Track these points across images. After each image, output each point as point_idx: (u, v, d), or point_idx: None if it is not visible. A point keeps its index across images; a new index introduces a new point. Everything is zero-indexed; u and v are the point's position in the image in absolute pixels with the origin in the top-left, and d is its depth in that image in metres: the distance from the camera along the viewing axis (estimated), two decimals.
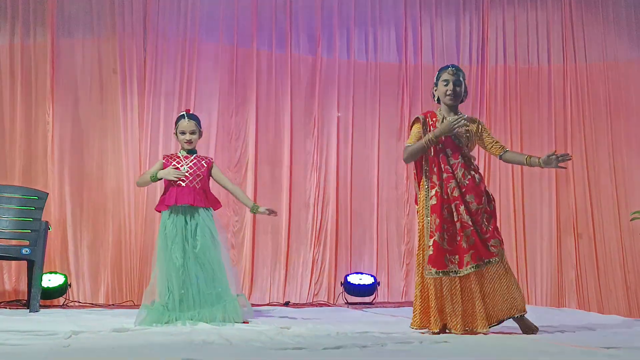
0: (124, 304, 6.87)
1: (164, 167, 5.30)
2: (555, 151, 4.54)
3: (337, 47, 7.85)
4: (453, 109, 4.64)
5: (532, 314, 5.78)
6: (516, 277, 7.53)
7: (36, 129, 7.04)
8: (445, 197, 4.46)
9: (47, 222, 6.19)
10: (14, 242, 6.22)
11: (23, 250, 5.98)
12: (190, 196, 5.15)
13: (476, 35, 8.13)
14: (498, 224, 4.66)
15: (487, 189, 4.62)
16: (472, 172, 4.54)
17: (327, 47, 7.86)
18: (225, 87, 7.56)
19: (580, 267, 7.71)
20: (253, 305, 6.91)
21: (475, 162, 4.66)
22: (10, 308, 6.19)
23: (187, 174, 5.21)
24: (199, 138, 5.42)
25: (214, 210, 5.32)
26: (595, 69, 8.02)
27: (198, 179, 5.24)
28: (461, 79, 4.60)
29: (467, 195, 4.46)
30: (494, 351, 3.58)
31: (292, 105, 7.69)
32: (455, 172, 4.50)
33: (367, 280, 7.32)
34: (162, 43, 7.40)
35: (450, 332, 4.37)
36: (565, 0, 8.12)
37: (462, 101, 4.68)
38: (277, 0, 7.76)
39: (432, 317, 4.39)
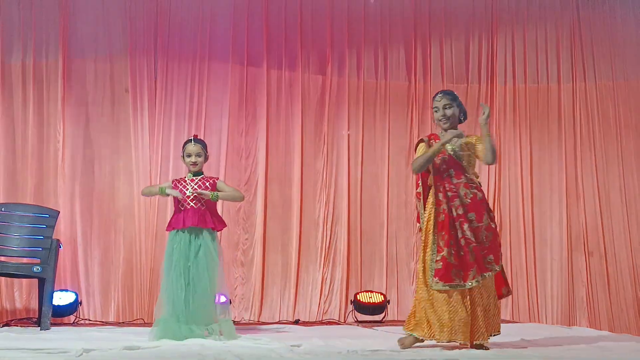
0: (134, 321, 6.88)
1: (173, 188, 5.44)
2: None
3: (346, 67, 7.88)
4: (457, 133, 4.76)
5: (543, 332, 5.78)
6: (526, 294, 7.63)
7: (47, 148, 7.09)
8: (452, 214, 4.59)
9: (58, 240, 6.22)
10: (25, 260, 6.26)
11: (34, 268, 6.02)
12: (194, 218, 5.29)
13: (485, 55, 8.14)
14: (500, 240, 4.86)
15: (488, 206, 4.77)
16: (474, 191, 4.67)
17: (337, 67, 7.89)
18: (236, 107, 7.59)
19: (591, 285, 7.68)
20: (262, 323, 6.96)
21: (478, 180, 4.78)
22: (21, 326, 6.20)
23: (187, 195, 5.34)
24: (205, 161, 5.54)
25: (217, 231, 5.42)
26: (605, 88, 8.01)
27: (203, 200, 5.35)
28: (450, 101, 4.75)
29: (469, 213, 4.59)
30: None
31: (302, 125, 7.72)
32: (459, 191, 4.63)
33: (377, 298, 7.31)
34: (173, 62, 7.46)
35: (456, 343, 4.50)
36: (574, 20, 8.13)
37: (461, 121, 4.84)
38: (288, 20, 7.81)
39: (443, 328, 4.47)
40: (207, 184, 5.42)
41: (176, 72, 7.46)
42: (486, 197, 4.87)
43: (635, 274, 7.60)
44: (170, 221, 5.45)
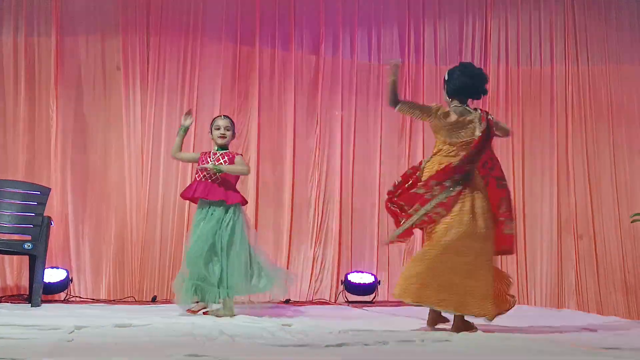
0: (125, 299, 6.88)
1: (198, 160, 5.63)
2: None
3: (340, 47, 7.86)
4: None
5: (532, 315, 5.82)
6: (515, 276, 7.66)
7: (40, 125, 7.06)
8: None
9: (49, 217, 6.21)
10: (16, 237, 6.24)
11: (25, 245, 6.00)
12: (205, 190, 5.43)
13: (479, 36, 8.14)
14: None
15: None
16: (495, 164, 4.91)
17: (330, 47, 7.87)
18: (228, 85, 7.57)
19: (580, 268, 7.73)
20: (253, 302, 6.96)
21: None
22: (12, 302, 6.20)
23: (201, 159, 5.56)
24: (233, 137, 5.70)
25: (228, 203, 5.44)
26: (598, 72, 8.03)
27: (218, 174, 5.46)
28: (446, 76, 4.93)
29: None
30: (494, 350, 3.59)
31: (295, 104, 7.71)
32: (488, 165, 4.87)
33: (367, 279, 7.34)
34: (165, 40, 7.42)
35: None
36: (568, 3, 8.13)
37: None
38: None
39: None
40: (227, 157, 5.51)
41: (168, 49, 7.42)
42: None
43: (623, 257, 7.66)
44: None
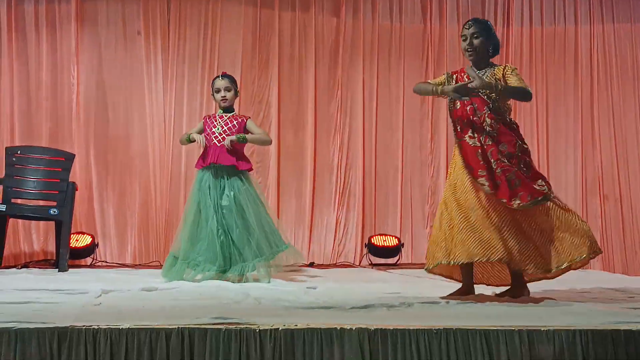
0: (150, 264, 6.94)
1: (204, 126, 5.42)
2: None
3: (361, 10, 7.77)
4: (477, 64, 4.31)
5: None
6: None
7: (62, 91, 7.10)
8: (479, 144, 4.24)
9: (74, 183, 6.25)
10: (41, 202, 6.31)
11: (51, 211, 6.06)
12: (215, 155, 5.23)
13: None
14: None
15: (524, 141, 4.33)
16: (499, 125, 4.24)
17: (351, 9, 7.79)
18: (249, 50, 7.54)
19: (606, 228, 7.68)
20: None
21: (509, 116, 4.33)
22: (39, 268, 6.28)
23: (214, 132, 5.30)
24: (236, 96, 5.46)
25: (239, 169, 5.28)
26: (623, 31, 7.90)
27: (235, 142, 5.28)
28: (481, 30, 4.25)
29: (500, 145, 4.20)
30: (522, 313, 3.59)
31: (315, 68, 7.66)
32: (483, 125, 4.23)
33: (391, 241, 7.34)
34: (186, 4, 7.39)
35: None
36: None
37: (492, 55, 4.35)
38: None
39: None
40: (235, 122, 5.34)
41: (189, 13, 7.40)
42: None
43: None
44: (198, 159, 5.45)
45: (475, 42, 4.25)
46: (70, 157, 6.39)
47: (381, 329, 3.00)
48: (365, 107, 7.71)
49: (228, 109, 5.41)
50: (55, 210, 6.05)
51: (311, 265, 7.08)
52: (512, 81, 4.21)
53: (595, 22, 7.92)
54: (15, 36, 7.02)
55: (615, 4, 7.93)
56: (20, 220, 6.73)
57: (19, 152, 6.28)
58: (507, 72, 4.25)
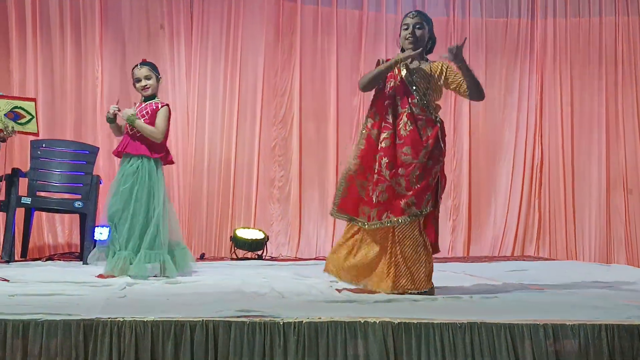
0: None
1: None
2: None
3: (384, 2, 7.75)
4: (419, 56, 4.21)
5: (581, 270, 5.76)
6: (564, 232, 7.57)
7: (86, 84, 7.14)
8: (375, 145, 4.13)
9: (98, 176, 6.28)
10: (66, 195, 6.34)
11: (76, 204, 6.09)
12: (122, 144, 4.97)
13: None
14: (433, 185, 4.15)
15: (438, 146, 4.14)
16: (419, 124, 4.10)
17: (374, 1, 7.76)
18: (271, 42, 7.55)
19: (630, 223, 7.62)
20: (299, 259, 7.00)
21: (436, 114, 4.18)
22: (64, 260, 6.32)
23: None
24: (157, 83, 5.09)
25: (150, 157, 4.93)
26: None
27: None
28: (424, 22, 4.17)
29: (404, 147, 4.06)
30: (546, 307, 3.57)
31: (337, 60, 7.65)
32: (398, 122, 4.11)
33: None
34: None
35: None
36: None
37: (428, 50, 4.27)
38: None
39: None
40: (149, 109, 4.97)
41: (212, 7, 7.42)
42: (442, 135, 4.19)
43: None
44: None
45: (418, 32, 4.16)
46: (94, 151, 6.43)
47: (405, 322, 2.99)
48: None
49: (150, 97, 5.06)
50: (79, 203, 6.08)
51: None
52: (459, 78, 4.10)
53: (620, 13, 7.84)
54: (39, 30, 7.07)
55: None
56: (44, 213, 6.78)
57: (44, 146, 6.33)
58: (450, 69, 4.14)
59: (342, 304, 3.57)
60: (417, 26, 4.16)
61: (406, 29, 4.18)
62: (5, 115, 5.33)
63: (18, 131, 5.41)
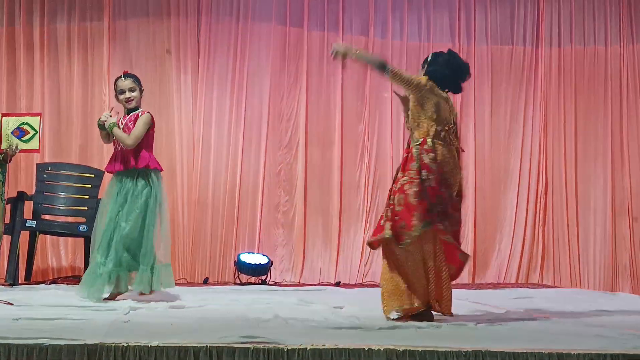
0: (177, 281, 6.92)
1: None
2: None
3: (390, 29, 7.79)
4: None
5: (586, 298, 5.75)
6: (568, 259, 7.54)
7: (92, 109, 7.17)
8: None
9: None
10: (70, 219, 6.36)
11: (80, 227, 6.11)
12: (112, 162, 4.97)
13: (530, 18, 7.97)
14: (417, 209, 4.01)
15: (425, 170, 4.06)
16: (409, 147, 4.19)
17: (380, 28, 7.81)
18: (277, 68, 7.58)
19: (635, 251, 7.59)
20: (303, 284, 6.99)
21: (418, 137, 4.17)
22: (67, 284, 6.31)
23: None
24: (141, 95, 5.04)
25: (137, 168, 4.90)
26: None
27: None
28: (429, 58, 4.49)
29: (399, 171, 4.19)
30: (551, 336, 3.55)
31: (343, 86, 7.68)
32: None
33: None
34: (216, 23, 7.46)
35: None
36: None
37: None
38: None
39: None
40: (134, 118, 4.95)
41: (219, 32, 7.46)
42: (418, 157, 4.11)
43: None
44: None
45: None
46: (100, 174, 6.45)
47: (409, 349, 2.98)
48: (393, 126, 7.70)
49: (133, 109, 5.01)
50: (84, 226, 6.09)
51: (337, 284, 7.07)
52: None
53: (625, 42, 7.87)
54: (47, 54, 7.12)
55: None
56: (48, 236, 6.79)
57: (49, 169, 6.36)
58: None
59: (346, 331, 3.56)
60: None
61: None
62: (12, 132, 5.36)
63: (21, 150, 5.44)
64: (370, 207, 7.59)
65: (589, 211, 7.74)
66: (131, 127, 4.91)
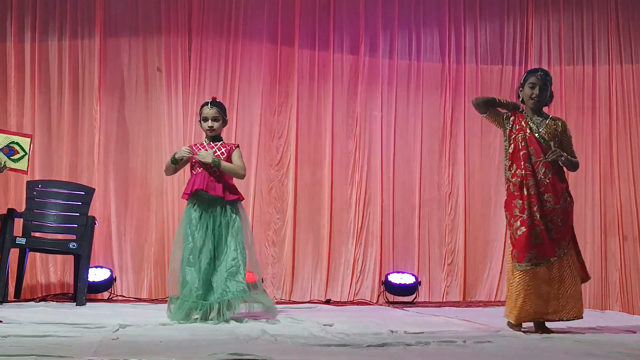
0: (166, 298, 6.90)
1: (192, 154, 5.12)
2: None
3: (379, 48, 7.83)
4: (537, 111, 4.80)
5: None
6: None
7: (82, 127, 7.16)
8: (524, 193, 4.61)
9: (93, 217, 6.30)
10: (60, 236, 6.35)
11: (70, 245, 6.10)
12: (203, 182, 5.00)
13: (520, 37, 8.04)
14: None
15: (568, 190, 4.79)
16: (555, 172, 4.67)
17: (369, 47, 7.85)
18: (268, 86, 7.61)
19: (625, 269, 7.62)
20: (294, 302, 6.99)
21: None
22: (57, 301, 6.30)
23: (194, 150, 5.07)
24: (224, 125, 5.25)
25: (225, 199, 5.05)
26: None
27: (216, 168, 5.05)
28: (548, 83, 4.74)
29: (546, 195, 4.61)
30: (537, 353, 3.56)
31: (333, 105, 7.70)
32: (537, 171, 4.63)
33: (408, 279, 7.32)
34: (207, 41, 7.47)
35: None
36: (611, 2, 8.02)
37: (547, 104, 4.87)
38: (321, 0, 7.78)
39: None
40: (225, 149, 5.10)
41: (209, 51, 7.47)
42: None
43: None
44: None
45: (543, 93, 4.74)
46: (90, 192, 6.46)
47: None
48: (383, 144, 7.73)
49: (215, 138, 5.20)
50: (74, 244, 6.09)
51: (328, 302, 7.06)
52: (566, 148, 4.82)
53: (613, 62, 7.93)
54: (38, 71, 7.12)
55: (634, 44, 7.95)
56: (38, 253, 6.77)
57: (39, 186, 6.35)
58: (566, 136, 4.86)
59: (335, 348, 3.56)
60: (543, 88, 4.74)
61: (532, 88, 4.75)
62: (1, 149, 5.37)
63: (9, 168, 5.46)
64: (361, 226, 7.60)
65: (579, 229, 7.69)
66: (222, 156, 5.06)
